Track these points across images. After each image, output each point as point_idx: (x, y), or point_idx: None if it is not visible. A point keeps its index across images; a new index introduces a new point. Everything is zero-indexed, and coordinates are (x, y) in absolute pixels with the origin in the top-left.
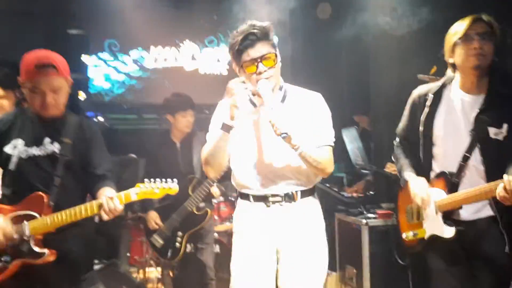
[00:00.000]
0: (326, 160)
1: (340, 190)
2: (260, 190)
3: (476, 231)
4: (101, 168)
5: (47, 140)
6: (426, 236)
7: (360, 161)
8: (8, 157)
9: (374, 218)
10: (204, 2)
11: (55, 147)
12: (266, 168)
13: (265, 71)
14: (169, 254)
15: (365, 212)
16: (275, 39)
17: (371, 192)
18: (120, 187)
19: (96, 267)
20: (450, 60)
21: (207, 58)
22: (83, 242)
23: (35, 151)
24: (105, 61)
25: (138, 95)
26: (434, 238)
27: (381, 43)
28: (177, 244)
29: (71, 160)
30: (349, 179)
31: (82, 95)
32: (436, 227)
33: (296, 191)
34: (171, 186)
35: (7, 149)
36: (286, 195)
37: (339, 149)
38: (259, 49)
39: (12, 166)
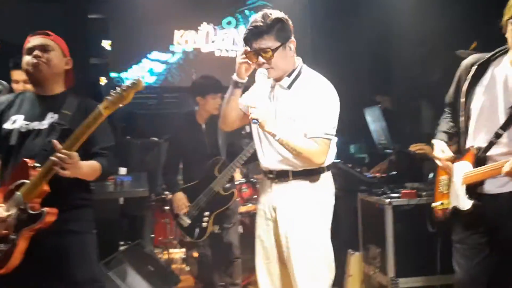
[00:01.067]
0: (311, 151)
1: (362, 170)
2: (264, 165)
3: (499, 204)
4: (97, 146)
5: (49, 115)
6: (450, 206)
7: (383, 140)
8: (8, 133)
9: (397, 197)
10: None
11: (55, 118)
12: (265, 146)
13: (263, 63)
14: (196, 233)
15: (388, 192)
16: (284, 31)
17: (394, 172)
18: (143, 169)
19: (122, 248)
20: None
21: (224, 40)
22: (108, 224)
23: (36, 125)
24: None
25: (159, 79)
26: (457, 210)
27: (402, 22)
28: (204, 224)
29: (68, 129)
30: (371, 159)
31: (103, 81)
32: (458, 198)
33: (288, 171)
34: (135, 81)
35: (6, 125)
36: (279, 173)
37: (361, 129)
38: (260, 42)
39: (13, 141)
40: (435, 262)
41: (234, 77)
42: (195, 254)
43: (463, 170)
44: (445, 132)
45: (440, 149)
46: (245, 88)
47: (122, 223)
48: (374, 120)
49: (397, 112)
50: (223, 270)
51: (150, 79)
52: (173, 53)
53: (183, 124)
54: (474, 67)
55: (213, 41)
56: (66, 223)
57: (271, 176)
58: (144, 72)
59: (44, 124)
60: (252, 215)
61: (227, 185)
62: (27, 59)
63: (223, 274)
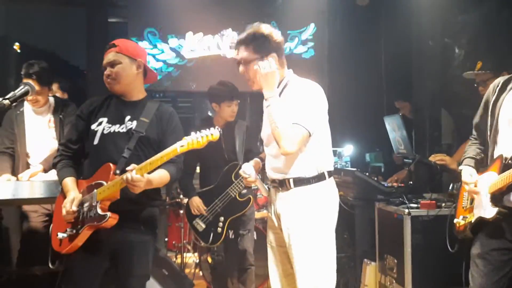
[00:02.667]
0: (283, 134)
1: (379, 180)
2: (268, 174)
3: None
4: None
5: (127, 118)
6: (473, 219)
7: (402, 149)
8: (94, 133)
9: (416, 208)
10: None
11: (133, 125)
12: (268, 156)
13: (243, 72)
14: (210, 239)
15: (406, 202)
16: (262, 46)
17: (411, 182)
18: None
19: None
20: None
21: None
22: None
23: (116, 128)
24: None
25: (174, 84)
26: (480, 222)
27: (424, 27)
28: (219, 229)
29: (144, 136)
30: (387, 168)
31: None
32: (482, 209)
33: (288, 179)
34: (213, 133)
35: (94, 126)
36: (281, 182)
37: (377, 137)
38: (238, 52)
39: (96, 141)
40: (453, 274)
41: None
42: (209, 260)
43: (489, 180)
44: (472, 158)
45: (469, 174)
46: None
47: None
48: (393, 128)
49: (416, 120)
50: (237, 277)
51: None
52: (190, 58)
53: (200, 129)
54: (500, 83)
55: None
56: (134, 221)
57: (275, 185)
58: (161, 75)
59: (123, 128)
60: (266, 221)
61: (244, 191)
62: (105, 76)
63: (236, 281)
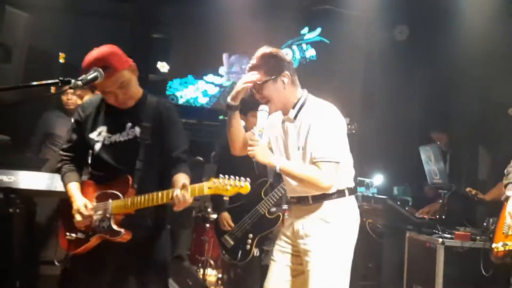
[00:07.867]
0: (314, 176)
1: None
2: (287, 192)
3: None
4: (177, 150)
5: (128, 125)
6: None
7: (438, 179)
8: (94, 142)
9: (450, 238)
10: (286, 12)
11: (136, 132)
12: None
13: (261, 97)
14: (239, 256)
15: (440, 232)
16: (274, 65)
17: (443, 216)
18: None
19: None
20: None
21: None
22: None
23: (117, 137)
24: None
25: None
26: None
27: (463, 61)
28: (247, 246)
29: (151, 143)
30: (415, 202)
31: None
32: None
33: (307, 196)
34: (243, 185)
35: (93, 135)
36: (300, 198)
37: (406, 172)
38: (251, 79)
39: (97, 151)
40: None
41: (228, 100)
42: (232, 275)
43: None
44: None
45: None
46: None
47: None
48: (429, 158)
49: (453, 153)
50: None
51: (203, 100)
52: (225, 76)
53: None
54: None
55: None
56: (147, 219)
57: (293, 201)
58: (198, 93)
59: (124, 136)
60: None
61: (273, 209)
62: (107, 97)
63: None
